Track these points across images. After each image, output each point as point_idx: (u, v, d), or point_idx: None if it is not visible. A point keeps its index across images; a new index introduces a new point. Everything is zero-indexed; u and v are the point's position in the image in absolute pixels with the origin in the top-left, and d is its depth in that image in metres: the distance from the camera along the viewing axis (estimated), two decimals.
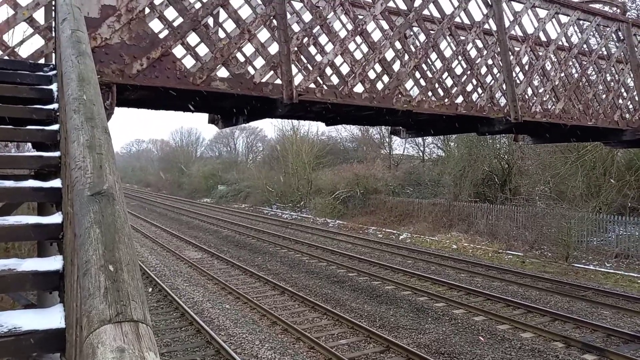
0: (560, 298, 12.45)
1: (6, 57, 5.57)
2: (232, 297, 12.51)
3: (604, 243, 17.78)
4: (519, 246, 19.20)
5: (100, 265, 1.13)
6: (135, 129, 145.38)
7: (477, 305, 11.45)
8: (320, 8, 5.70)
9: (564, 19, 7.89)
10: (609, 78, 8.84)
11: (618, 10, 10.00)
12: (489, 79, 7.39)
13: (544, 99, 7.78)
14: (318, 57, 6.15)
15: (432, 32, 6.62)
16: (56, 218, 2.86)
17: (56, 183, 3.11)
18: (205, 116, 7.10)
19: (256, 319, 10.70)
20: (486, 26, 7.00)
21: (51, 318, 2.22)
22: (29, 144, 5.05)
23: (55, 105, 3.87)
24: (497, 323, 10.38)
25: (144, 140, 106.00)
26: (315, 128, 43.84)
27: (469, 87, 7.05)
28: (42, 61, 5.79)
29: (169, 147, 78.11)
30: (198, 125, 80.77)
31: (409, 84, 6.84)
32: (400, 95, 6.16)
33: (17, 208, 4.77)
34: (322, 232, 25.11)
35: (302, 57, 5.85)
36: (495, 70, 7.34)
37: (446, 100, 6.65)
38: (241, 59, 6.41)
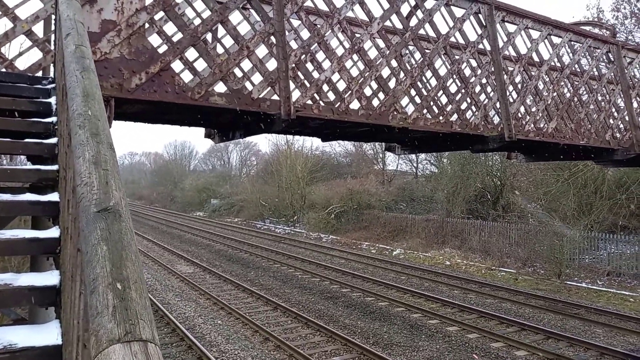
0: (553, 316, 12.44)
1: (4, 70, 5.58)
2: (224, 313, 12.37)
3: (595, 261, 17.85)
4: (512, 263, 19.24)
5: (108, 283, 1.12)
6: (129, 141, 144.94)
7: (470, 323, 11.41)
8: (318, 26, 5.78)
9: (556, 40, 8.06)
10: (600, 98, 8.99)
11: (608, 33, 10.23)
12: (482, 97, 7.51)
13: (537, 117, 7.89)
14: (315, 74, 6.22)
15: (427, 51, 6.72)
16: (53, 232, 2.84)
17: (54, 197, 3.09)
18: (200, 130, 7.09)
19: (248, 335, 10.58)
20: (480, 46, 7.13)
21: (47, 334, 2.19)
22: (24, 157, 5.03)
23: (53, 119, 3.86)
24: (491, 341, 10.34)
25: (137, 153, 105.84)
26: (309, 143, 44.06)
27: (464, 106, 7.14)
28: (39, 74, 5.81)
29: (163, 160, 77.98)
30: (192, 138, 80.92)
31: (405, 101, 6.91)
32: (396, 113, 6.22)
33: (11, 221, 4.72)
34: (315, 247, 25.01)
35: (299, 73, 5.90)
36: (489, 89, 7.45)
37: (441, 118, 6.72)
38: (239, 74, 6.46)
